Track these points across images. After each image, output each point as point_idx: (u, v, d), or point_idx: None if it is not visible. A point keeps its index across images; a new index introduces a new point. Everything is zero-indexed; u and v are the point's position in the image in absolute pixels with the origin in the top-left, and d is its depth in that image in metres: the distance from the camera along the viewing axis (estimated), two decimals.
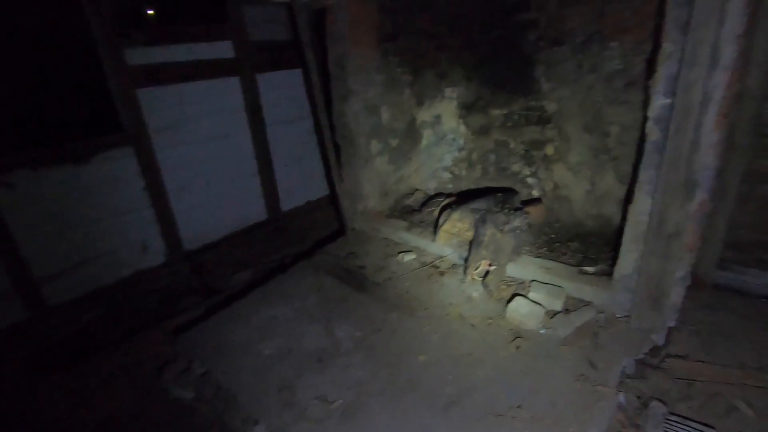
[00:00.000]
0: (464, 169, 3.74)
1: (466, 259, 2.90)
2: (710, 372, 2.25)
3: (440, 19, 3.38)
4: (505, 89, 3.22)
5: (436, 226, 3.21)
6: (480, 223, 2.83)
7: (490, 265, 2.74)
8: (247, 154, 4.39)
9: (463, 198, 3.47)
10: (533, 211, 3.06)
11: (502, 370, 2.15)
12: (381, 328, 2.53)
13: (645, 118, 2.15)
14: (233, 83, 4.13)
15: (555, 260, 2.82)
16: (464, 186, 3.80)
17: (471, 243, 2.90)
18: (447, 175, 3.90)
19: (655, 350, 2.29)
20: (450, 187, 3.92)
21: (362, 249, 3.46)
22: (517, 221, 2.77)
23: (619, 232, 2.67)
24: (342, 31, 3.14)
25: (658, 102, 1.97)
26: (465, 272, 2.86)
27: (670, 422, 1.94)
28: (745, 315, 2.64)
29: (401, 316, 2.61)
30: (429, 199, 3.85)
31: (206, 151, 4.01)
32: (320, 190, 5.27)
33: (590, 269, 2.67)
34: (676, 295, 2.17)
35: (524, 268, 2.77)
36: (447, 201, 3.47)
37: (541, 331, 2.36)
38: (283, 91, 4.53)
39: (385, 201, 3.83)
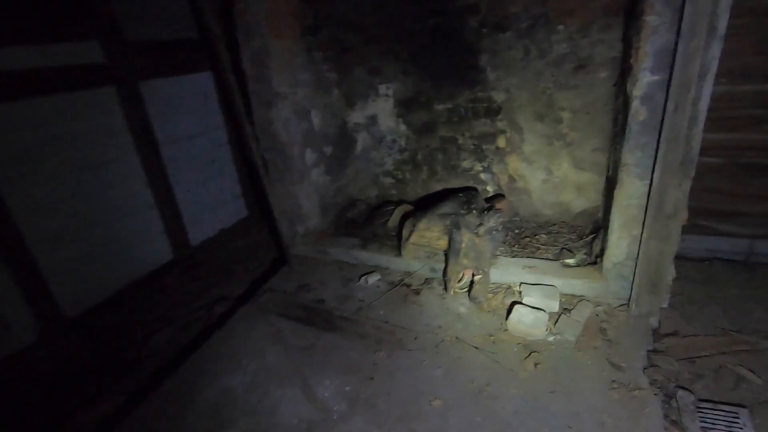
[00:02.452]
0: (408, 171, 3.43)
1: (444, 272, 2.58)
2: (704, 345, 2.26)
3: (366, 9, 3.01)
4: (447, 82, 2.99)
5: (399, 239, 2.84)
6: (453, 229, 2.54)
7: (473, 274, 2.46)
8: (137, 182, 3.49)
9: (421, 204, 3.15)
10: (503, 207, 2.87)
11: (530, 396, 1.86)
12: (373, 374, 2.07)
13: (625, 99, 2.06)
14: (107, 95, 3.22)
15: (533, 257, 2.66)
16: (410, 191, 3.50)
17: (446, 252, 2.59)
18: (389, 181, 3.55)
19: (655, 335, 2.24)
20: (394, 194, 3.58)
21: (314, 278, 2.93)
22: (492, 221, 2.54)
23: (596, 218, 2.62)
24: (259, 21, 2.58)
25: (645, 79, 1.87)
26: (446, 286, 2.54)
27: (703, 410, 1.86)
28: (701, 280, 2.78)
29: (391, 353, 2.19)
30: (374, 210, 3.46)
31: (78, 186, 3.05)
32: (235, 214, 4.52)
33: (571, 261, 2.56)
34: (670, 275, 2.13)
35: (506, 270, 2.56)
36: (403, 209, 3.12)
37: (550, 339, 2.15)
38: (179, 101, 3.72)
39: (326, 218, 3.34)
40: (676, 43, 1.68)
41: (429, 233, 2.65)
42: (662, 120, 1.83)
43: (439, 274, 2.71)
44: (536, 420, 1.75)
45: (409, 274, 2.80)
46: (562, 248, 2.70)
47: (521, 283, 2.46)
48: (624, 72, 2.34)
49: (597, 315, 2.27)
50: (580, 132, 2.76)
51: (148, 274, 3.61)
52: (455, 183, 3.29)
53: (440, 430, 1.76)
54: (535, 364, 2.00)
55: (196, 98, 3.90)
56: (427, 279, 2.73)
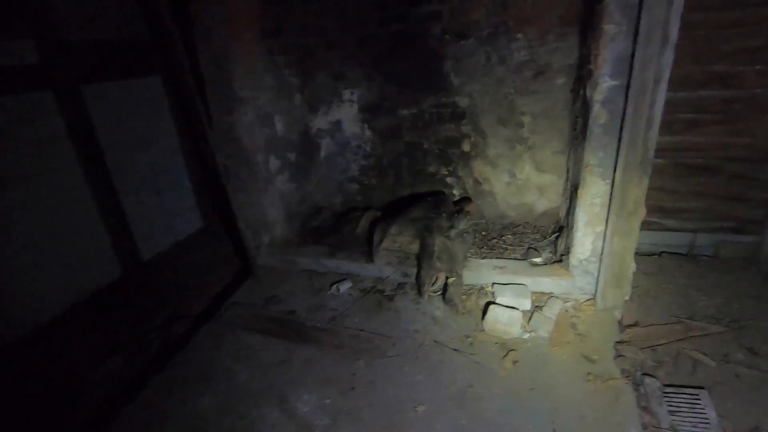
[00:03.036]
0: (374, 177, 3.41)
1: (417, 276, 2.57)
2: (662, 333, 2.40)
3: (328, 13, 2.97)
4: (412, 87, 3.01)
5: (369, 245, 2.80)
6: (426, 232, 2.55)
7: (446, 277, 2.47)
8: (80, 194, 3.20)
9: (389, 210, 3.14)
10: (471, 210, 2.92)
11: (513, 394, 1.89)
12: (353, 384, 2.01)
13: (584, 103, 2.17)
14: (43, 100, 2.94)
15: (502, 257, 2.72)
16: (376, 196, 3.48)
17: (419, 256, 2.59)
18: (354, 187, 3.51)
19: (619, 326, 2.35)
20: (360, 200, 3.54)
21: (282, 289, 2.81)
22: (462, 224, 2.58)
23: (558, 218, 2.72)
24: (218, 22, 2.47)
25: (605, 84, 1.98)
26: (420, 291, 2.54)
27: (668, 395, 1.97)
28: (652, 273, 2.97)
29: (370, 361, 2.14)
30: (341, 217, 3.40)
31: (10, 200, 2.73)
32: (189, 225, 4.27)
33: (538, 260, 2.65)
34: (632, 269, 2.25)
35: (478, 272, 2.59)
36: (371, 216, 3.09)
37: (525, 336, 2.20)
38: (126, 106, 3.46)
39: (292, 226, 3.24)
40: (634, 51, 1.80)
41: (401, 238, 2.63)
42: (622, 122, 1.94)
43: (412, 279, 2.70)
44: (520, 419, 1.77)
45: (381, 280, 2.76)
46: (529, 248, 2.79)
47: (493, 283, 2.51)
48: (581, 78, 2.47)
49: (566, 310, 2.35)
50: (540, 136, 2.88)
51: (93, 294, 3.31)
52: (421, 188, 3.31)
53: None
54: (514, 362, 2.04)
55: (145, 103, 3.66)
56: (399, 284, 2.71)
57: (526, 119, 2.87)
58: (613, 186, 2.07)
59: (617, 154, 2.00)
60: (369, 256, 2.81)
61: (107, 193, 3.35)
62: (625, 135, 1.92)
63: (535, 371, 1.99)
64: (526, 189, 3.05)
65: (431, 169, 3.23)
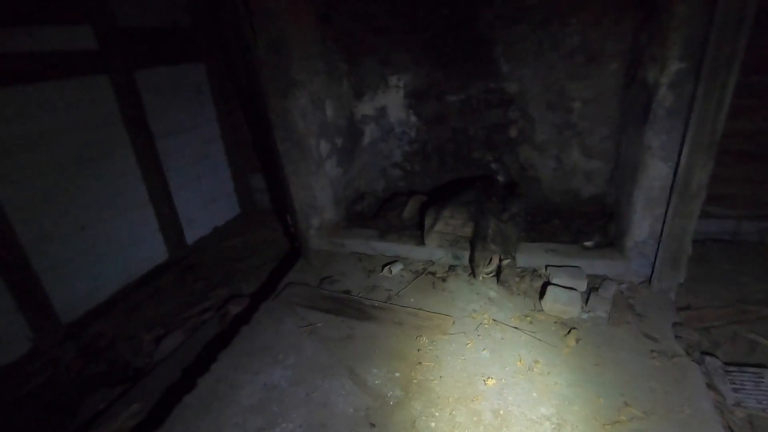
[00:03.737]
0: (418, 163, 3.45)
1: (470, 258, 2.62)
2: (715, 316, 2.44)
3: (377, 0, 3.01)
4: (460, 73, 3.04)
5: (421, 228, 2.85)
6: (479, 215, 2.59)
7: (500, 259, 2.52)
8: (131, 178, 3.28)
9: (436, 195, 3.18)
10: (517, 192, 2.96)
11: (579, 369, 1.94)
12: (419, 360, 2.07)
13: (644, 87, 2.19)
14: (101, 84, 3.01)
15: (553, 241, 2.76)
16: (419, 182, 3.52)
17: (472, 239, 2.64)
18: (397, 173, 3.56)
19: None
20: (402, 186, 3.59)
21: (334, 270, 2.88)
22: (515, 207, 2.62)
23: (605, 203, 2.74)
24: (279, 5, 2.51)
25: (673, 67, 1.99)
26: (474, 272, 2.59)
27: (731, 372, 2.01)
28: (697, 259, 2.97)
29: (432, 337, 2.19)
30: (386, 202, 3.45)
31: (70, 179, 2.82)
32: (228, 211, 4.35)
33: (589, 243, 2.68)
34: (688, 251, 2.28)
35: (530, 255, 2.63)
36: (419, 200, 3.14)
37: (584, 316, 2.24)
38: (173, 92, 3.54)
39: (339, 211, 3.29)
40: (707, 32, 1.81)
41: (453, 221, 2.68)
42: (691, 105, 1.96)
43: (463, 261, 2.75)
44: (590, 391, 1.82)
45: (431, 262, 2.82)
46: (578, 231, 2.82)
47: (546, 266, 2.55)
48: (637, 62, 2.48)
49: (622, 292, 2.39)
50: (589, 121, 2.90)
51: (143, 276, 3.41)
52: (465, 173, 3.34)
53: (501, 408, 1.79)
54: (577, 340, 2.08)
55: (189, 90, 3.73)
56: (451, 266, 2.76)
57: (576, 105, 2.89)
58: (677, 169, 2.09)
59: (683, 137, 2.02)
60: (420, 239, 2.86)
61: (157, 177, 3.44)
62: (694, 118, 1.94)
63: (599, 348, 2.04)
64: (572, 175, 3.07)
65: (476, 154, 3.27)
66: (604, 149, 2.93)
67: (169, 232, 3.62)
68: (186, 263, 3.69)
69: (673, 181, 2.13)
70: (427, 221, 2.77)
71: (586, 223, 2.95)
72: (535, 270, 2.59)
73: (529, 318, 2.27)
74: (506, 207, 2.62)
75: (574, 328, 2.15)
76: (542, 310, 2.30)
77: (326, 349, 2.20)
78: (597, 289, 2.40)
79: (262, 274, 3.37)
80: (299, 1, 2.59)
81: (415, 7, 2.97)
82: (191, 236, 3.90)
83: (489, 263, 2.54)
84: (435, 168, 3.42)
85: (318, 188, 3.00)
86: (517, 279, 2.54)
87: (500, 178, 3.26)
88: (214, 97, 4.00)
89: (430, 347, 2.14)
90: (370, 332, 2.28)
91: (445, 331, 2.23)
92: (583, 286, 2.38)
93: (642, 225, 2.34)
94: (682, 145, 2.05)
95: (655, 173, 2.21)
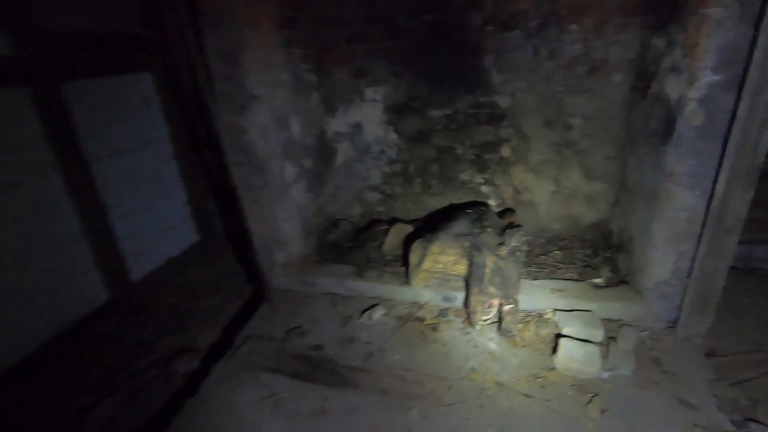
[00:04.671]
0: (398, 186, 3.05)
1: (465, 303, 2.23)
2: (746, 364, 2.11)
3: (351, 1, 2.61)
4: (446, 85, 2.67)
5: (406, 265, 2.45)
6: (474, 251, 2.20)
7: (501, 303, 2.13)
8: (60, 207, 2.75)
9: (423, 223, 2.79)
10: (515, 222, 2.60)
11: None
12: None
13: (660, 102, 1.86)
14: (19, 98, 2.50)
15: (558, 278, 2.40)
16: (399, 207, 3.12)
17: (467, 279, 2.25)
18: (375, 197, 3.15)
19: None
20: (381, 211, 3.18)
21: (304, 317, 2.43)
22: (514, 240, 2.24)
23: (608, 230, 2.40)
24: (231, 6, 2.08)
25: (705, 80, 1.67)
26: (470, 319, 2.19)
27: None
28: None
29: (425, 410, 1.77)
30: (362, 231, 3.03)
31: None
32: (184, 239, 3.83)
33: (599, 281, 2.34)
34: (719, 292, 1.95)
35: (534, 296, 2.26)
36: (401, 230, 2.73)
37: (605, 376, 1.87)
38: (114, 107, 3.03)
39: (309, 243, 2.85)
40: (754, 39, 1.49)
41: (444, 257, 2.29)
42: (730, 124, 1.63)
43: (455, 304, 2.36)
44: None
45: (418, 305, 2.41)
46: (584, 266, 2.47)
47: (555, 310, 2.18)
48: (647, 73, 2.18)
49: (644, 342, 2.04)
50: (591, 139, 2.58)
51: (77, 323, 2.86)
52: (452, 197, 2.97)
53: None
54: (601, 411, 1.70)
55: (135, 103, 3.23)
56: (441, 310, 2.36)
57: (576, 121, 2.56)
58: (711, 198, 1.76)
59: (720, 162, 1.70)
60: (405, 278, 2.46)
61: (92, 205, 2.91)
62: (734, 138, 1.62)
63: (629, 422, 1.66)
64: (573, 198, 2.74)
65: (464, 176, 2.90)
66: (607, 170, 2.61)
67: (110, 268, 3.09)
68: (132, 304, 3.15)
69: (706, 212, 1.80)
70: (413, 258, 2.37)
71: (590, 253, 2.61)
72: (540, 314, 2.22)
73: (540, 380, 1.88)
74: (505, 240, 2.25)
75: (596, 394, 1.77)
76: (554, 368, 1.92)
77: (292, 429, 1.75)
78: (615, 338, 2.04)
79: (220, 317, 2.88)
80: (258, 2, 2.16)
81: (394, 11, 2.59)
82: (139, 271, 3.37)
83: (488, 309, 2.15)
84: (418, 191, 3.03)
85: (283, 218, 2.56)
86: (521, 326, 2.16)
87: (491, 202, 2.90)
88: (166, 111, 3.51)
89: (424, 424, 1.72)
90: (347, 405, 1.84)
91: (440, 400, 1.81)
92: (599, 335, 2.01)
93: (664, 263, 2.00)
94: (717, 171, 1.72)
95: (681, 203, 1.88)
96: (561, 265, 2.54)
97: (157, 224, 3.50)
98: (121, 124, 3.11)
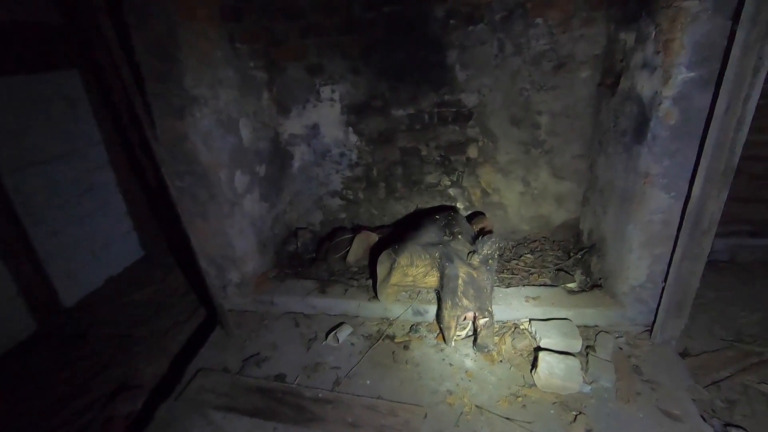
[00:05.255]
0: (361, 190, 2.86)
1: (438, 317, 2.08)
2: (718, 363, 2.09)
3: None
4: (408, 83, 2.50)
5: (373, 279, 2.27)
6: (445, 261, 2.05)
7: (476, 317, 2.00)
8: None
9: (392, 231, 2.61)
10: (486, 226, 2.47)
11: None
12: None
13: (631, 99, 1.78)
14: None
15: (531, 284, 2.30)
16: (363, 212, 2.93)
17: (438, 293, 2.10)
18: (337, 203, 2.94)
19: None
20: (343, 217, 2.98)
21: (262, 342, 2.20)
22: (486, 248, 2.11)
23: (577, 230, 2.32)
24: None
25: (680, 77, 1.59)
26: (444, 336, 2.05)
27: None
28: None
29: None
30: (324, 240, 2.82)
31: None
32: (125, 256, 3.46)
33: (572, 285, 2.26)
34: (693, 295, 1.91)
35: (507, 304, 2.15)
36: (365, 239, 2.55)
37: (586, 390, 1.78)
38: (34, 108, 2.65)
39: (265, 257, 2.61)
40: (732, 34, 1.42)
41: (413, 270, 2.12)
42: (707, 123, 1.56)
43: (426, 318, 2.21)
44: None
45: (387, 320, 2.24)
46: (557, 269, 2.39)
47: (530, 319, 2.07)
48: (613, 69, 2.10)
49: (621, 348, 1.97)
50: (559, 137, 2.49)
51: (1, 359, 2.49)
52: (418, 200, 2.81)
53: None
54: (588, 431, 1.60)
55: (59, 105, 2.84)
56: (412, 326, 2.20)
57: (544, 119, 2.47)
58: (687, 200, 1.69)
59: (697, 162, 1.63)
60: (371, 290, 2.28)
61: (6, 224, 2.53)
62: (711, 138, 1.55)
63: None
64: (542, 199, 2.65)
65: (431, 178, 2.75)
66: (576, 169, 2.54)
67: (35, 293, 2.72)
68: (65, 334, 2.79)
69: (682, 215, 1.73)
70: (380, 271, 2.19)
71: (562, 256, 2.54)
72: (516, 325, 2.11)
73: (520, 399, 1.76)
74: (477, 248, 2.11)
75: (579, 412, 1.67)
76: (534, 385, 1.81)
77: None
78: (592, 346, 1.96)
79: (168, 345, 2.58)
80: None
81: (351, 2, 2.38)
82: (74, 294, 3.01)
83: (462, 323, 2.01)
84: (382, 196, 2.85)
85: (235, 233, 2.30)
86: (496, 338, 2.04)
87: (459, 205, 2.77)
88: (97, 113, 3.12)
89: None
90: None
91: (416, 431, 1.65)
92: (577, 345, 1.92)
93: (639, 266, 1.94)
94: (694, 172, 1.65)
95: (656, 205, 1.81)
96: (533, 269, 2.45)
97: (92, 241, 3.13)
98: (40, 129, 2.72)
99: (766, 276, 2.74)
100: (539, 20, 2.26)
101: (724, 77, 1.46)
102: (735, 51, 1.42)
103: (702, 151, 1.59)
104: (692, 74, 1.57)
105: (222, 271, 2.34)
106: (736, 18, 1.40)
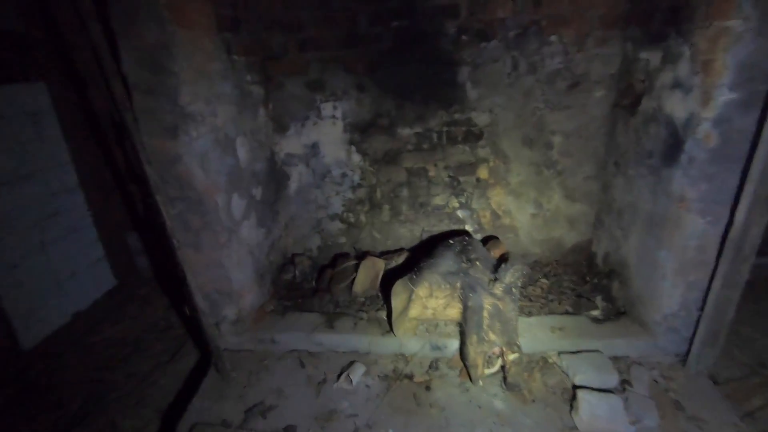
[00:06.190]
0: (363, 213, 2.68)
1: (463, 355, 1.91)
2: (748, 391, 2.02)
3: (302, 2, 2.22)
4: (416, 100, 2.37)
5: (388, 312, 2.08)
6: (468, 292, 1.90)
7: (503, 352, 1.85)
8: None
9: (402, 257, 2.44)
10: (503, 251, 2.34)
11: None
12: None
13: (683, 120, 1.71)
14: None
15: (554, 313, 2.17)
16: (366, 237, 2.75)
17: (462, 327, 1.93)
18: (337, 226, 2.74)
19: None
20: (344, 242, 2.78)
21: (265, 387, 1.95)
22: (509, 276, 1.97)
23: (589, 252, 2.22)
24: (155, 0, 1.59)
25: (722, 98, 1.53)
26: (470, 375, 1.88)
27: None
28: None
29: None
30: (326, 268, 2.61)
31: None
32: (94, 288, 3.11)
33: (596, 313, 2.15)
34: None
35: (533, 336, 2.01)
36: (372, 266, 2.36)
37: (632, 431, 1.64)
38: None
39: (263, 288, 2.37)
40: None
41: (433, 301, 1.95)
42: (752, 146, 1.49)
43: (445, 353, 2.04)
44: None
45: (404, 358, 2.05)
46: (576, 296, 2.28)
47: (559, 353, 1.94)
48: (631, 88, 2.05)
49: (657, 381, 1.86)
50: (572, 158, 2.42)
51: None
52: (425, 224, 2.66)
53: None
54: None
55: (20, 121, 2.52)
56: (431, 362, 2.02)
57: (557, 139, 2.39)
58: (729, 225, 1.62)
59: (740, 186, 1.55)
60: (384, 323, 2.09)
61: None
62: (757, 162, 1.48)
63: None
64: (554, 221, 2.56)
65: (438, 200, 2.61)
66: (588, 190, 2.47)
67: None
68: (24, 381, 2.42)
69: (722, 241, 1.66)
70: (397, 303, 2.00)
71: (578, 280, 2.44)
72: (544, 359, 1.96)
73: None
74: (499, 276, 1.97)
75: None
76: (575, 428, 1.66)
77: None
78: (628, 381, 1.84)
79: (150, 392, 2.28)
80: None
81: (354, 14, 2.24)
82: (35, 335, 2.64)
83: (490, 359, 1.85)
84: (386, 219, 2.68)
85: (232, 265, 2.06)
86: (525, 374, 1.89)
87: (468, 227, 2.63)
88: (66, 129, 2.81)
89: None
90: None
91: None
92: (612, 380, 1.80)
93: (673, 294, 1.85)
94: (737, 196, 1.58)
95: (692, 230, 1.73)
96: (551, 296, 2.33)
97: (57, 272, 2.78)
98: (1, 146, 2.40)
99: None
100: (554, 38, 2.19)
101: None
102: None
103: (747, 175, 1.52)
104: (734, 95, 1.51)
105: (216, 307, 2.09)
106: None
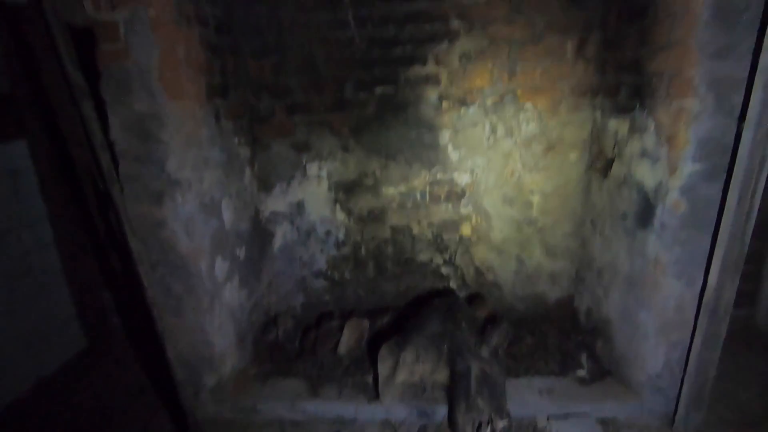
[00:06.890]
0: (348, 270, 2.67)
1: (452, 424, 1.86)
2: None
3: (289, 68, 2.32)
4: (400, 161, 2.44)
5: (374, 377, 2.03)
6: (457, 358, 1.88)
7: (491, 419, 1.81)
8: None
9: (391, 323, 2.41)
10: (483, 312, 2.35)
11: None
12: None
13: (652, 187, 1.81)
14: None
15: (541, 374, 2.16)
16: (350, 294, 2.72)
17: (449, 393, 1.90)
18: (321, 284, 2.71)
19: None
20: (328, 300, 2.74)
21: None
22: (495, 337, 1.97)
23: (572, 308, 2.26)
24: (146, 71, 1.64)
25: (687, 169, 1.63)
26: None
27: None
28: None
29: None
30: (310, 329, 2.55)
31: None
32: (62, 350, 2.94)
33: (582, 373, 2.15)
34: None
35: (521, 399, 1.99)
36: (355, 326, 2.33)
37: None
38: None
39: (244, 352, 2.30)
40: (738, 132, 1.48)
41: (421, 366, 1.93)
42: (719, 214, 1.59)
43: (433, 420, 1.98)
44: None
45: (390, 425, 1.98)
46: (563, 354, 2.28)
47: (548, 417, 1.91)
48: (603, 154, 2.17)
49: None
50: (550, 216, 2.50)
51: None
52: (409, 280, 2.67)
53: None
54: None
55: None
56: (419, 429, 1.96)
57: (535, 198, 2.48)
58: (703, 287, 1.68)
59: (711, 251, 1.63)
60: (370, 389, 2.03)
61: None
62: (724, 229, 1.57)
63: None
64: (537, 277, 2.60)
65: (422, 257, 2.63)
66: (567, 247, 2.54)
67: None
68: None
69: (699, 304, 1.72)
70: (383, 368, 1.96)
71: (562, 336, 2.45)
72: (534, 425, 1.93)
73: None
74: (485, 339, 1.96)
75: None
76: None
77: None
78: None
79: None
80: (181, 67, 1.74)
81: (341, 81, 2.35)
82: None
83: (479, 428, 1.80)
84: (371, 275, 2.68)
85: (214, 329, 2.00)
86: None
87: (452, 284, 2.65)
88: (44, 186, 2.77)
89: None
90: None
91: None
92: None
93: (656, 354, 1.88)
94: (708, 261, 1.65)
95: (669, 292, 1.79)
96: (536, 355, 2.32)
97: (21, 334, 2.63)
98: None
99: (746, 347, 2.80)
100: (529, 105, 2.32)
101: (734, 172, 1.51)
102: (742, 151, 1.47)
103: (716, 241, 1.60)
104: (698, 167, 1.62)
105: (196, 375, 2.00)
106: (742, 116, 1.47)
